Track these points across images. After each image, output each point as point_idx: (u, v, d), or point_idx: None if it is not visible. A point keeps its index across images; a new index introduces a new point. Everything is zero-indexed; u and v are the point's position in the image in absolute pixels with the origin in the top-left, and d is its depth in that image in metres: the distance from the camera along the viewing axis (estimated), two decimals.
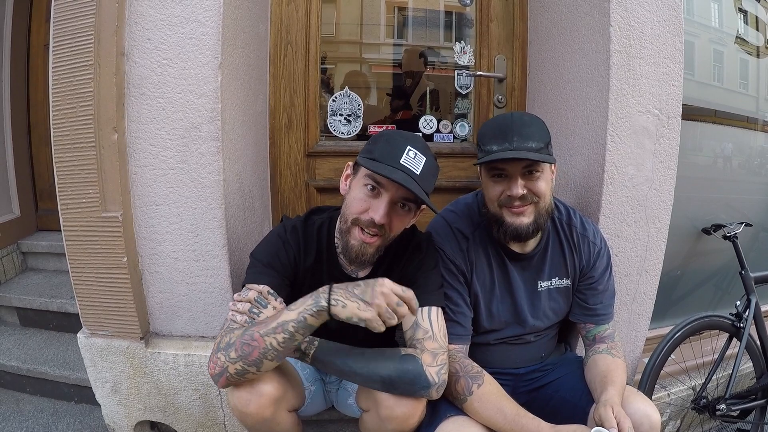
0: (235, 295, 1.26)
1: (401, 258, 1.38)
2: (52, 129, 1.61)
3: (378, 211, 1.21)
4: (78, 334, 1.76)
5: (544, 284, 1.49)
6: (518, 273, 1.48)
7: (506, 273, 1.47)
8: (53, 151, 1.62)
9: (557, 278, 1.50)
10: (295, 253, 1.33)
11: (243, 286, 1.29)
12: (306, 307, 1.10)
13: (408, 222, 1.31)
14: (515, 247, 1.45)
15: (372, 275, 1.35)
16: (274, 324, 1.10)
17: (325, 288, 1.12)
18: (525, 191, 1.31)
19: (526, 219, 1.34)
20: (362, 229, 1.24)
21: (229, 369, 1.12)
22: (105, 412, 1.81)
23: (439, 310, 1.31)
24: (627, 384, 1.35)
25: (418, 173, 1.21)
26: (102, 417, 1.84)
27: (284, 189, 2.06)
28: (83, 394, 2.13)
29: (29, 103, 2.97)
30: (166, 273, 1.67)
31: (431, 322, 1.27)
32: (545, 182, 1.34)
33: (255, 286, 1.25)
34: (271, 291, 1.25)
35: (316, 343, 1.22)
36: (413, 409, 1.20)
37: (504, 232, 1.36)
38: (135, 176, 1.61)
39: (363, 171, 1.25)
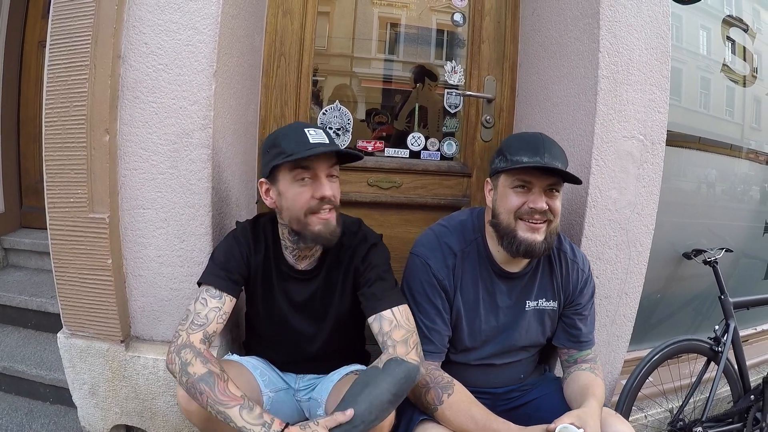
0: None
1: (348, 248, 1.43)
2: (43, 127, 1.61)
3: (323, 188, 1.29)
4: (58, 334, 1.74)
5: (531, 304, 1.48)
6: (506, 292, 1.47)
7: (492, 291, 1.46)
8: (44, 149, 1.61)
9: (544, 300, 1.50)
10: (247, 251, 1.41)
11: (198, 284, 1.37)
12: (252, 427, 1.11)
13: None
14: (506, 266, 1.45)
15: (318, 267, 1.43)
16: (221, 408, 1.14)
17: (280, 426, 1.12)
18: (547, 207, 1.32)
19: (539, 236, 1.34)
20: (318, 213, 1.30)
21: (179, 380, 1.21)
22: (81, 414, 1.79)
23: (402, 306, 1.34)
24: (604, 405, 1.37)
25: (328, 141, 1.30)
26: (77, 419, 1.81)
27: None
28: (59, 395, 2.10)
29: (20, 99, 2.94)
30: (150, 277, 1.66)
31: (394, 314, 1.31)
32: (560, 203, 1.37)
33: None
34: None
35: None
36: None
37: (516, 246, 1.34)
38: (124, 179, 1.61)
39: (287, 171, 1.31)
